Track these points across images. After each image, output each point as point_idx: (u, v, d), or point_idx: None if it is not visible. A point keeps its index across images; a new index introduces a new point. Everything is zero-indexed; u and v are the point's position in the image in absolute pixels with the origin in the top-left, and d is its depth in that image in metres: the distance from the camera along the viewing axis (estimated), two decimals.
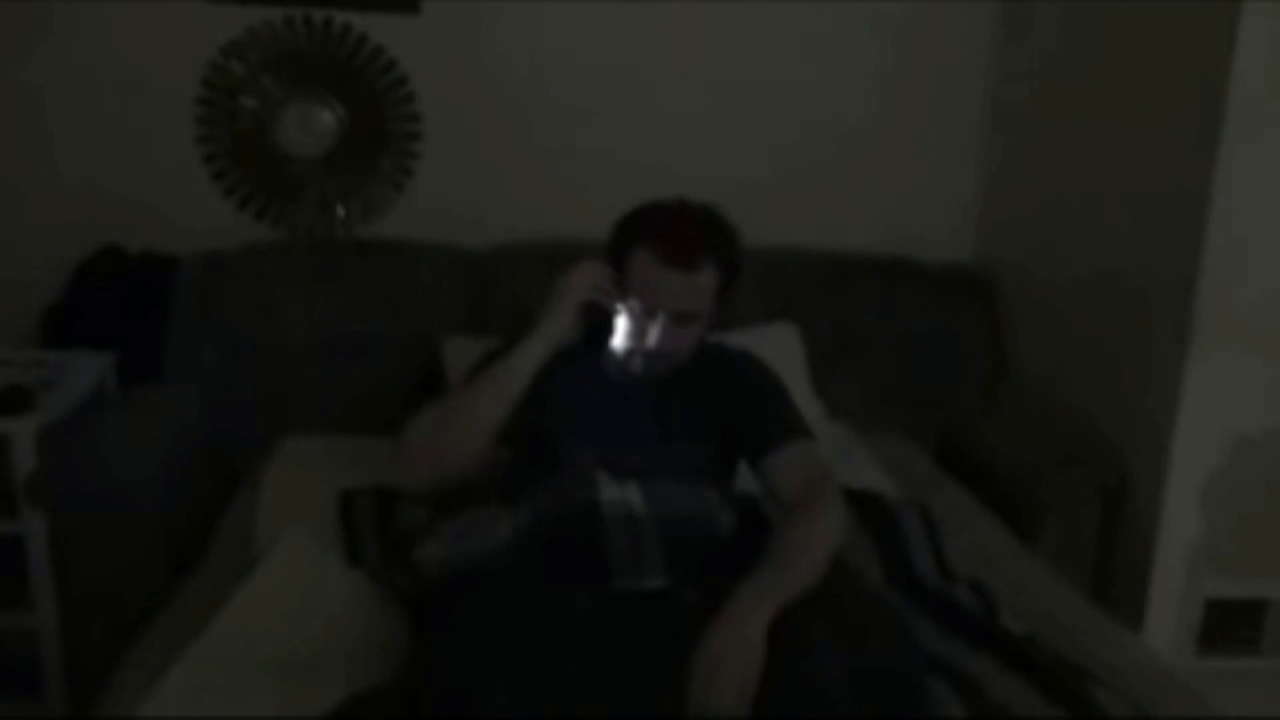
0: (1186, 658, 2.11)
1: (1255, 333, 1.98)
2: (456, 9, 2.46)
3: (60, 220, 2.43)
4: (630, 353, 1.54)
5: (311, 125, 2.47)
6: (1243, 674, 2.12)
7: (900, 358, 2.49)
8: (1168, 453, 2.02)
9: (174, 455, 2.06)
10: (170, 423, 2.13)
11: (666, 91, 2.58)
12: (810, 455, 1.60)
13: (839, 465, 2.00)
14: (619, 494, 1.53)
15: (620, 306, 1.53)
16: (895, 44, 2.62)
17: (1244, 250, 1.95)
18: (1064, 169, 2.44)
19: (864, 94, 2.64)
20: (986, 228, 2.73)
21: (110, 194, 2.44)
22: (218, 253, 2.37)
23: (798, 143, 2.63)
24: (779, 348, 2.15)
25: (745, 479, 1.67)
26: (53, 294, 2.37)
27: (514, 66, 2.52)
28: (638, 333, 1.54)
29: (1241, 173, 1.91)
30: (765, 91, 2.60)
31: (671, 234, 1.55)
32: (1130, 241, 2.17)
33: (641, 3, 2.52)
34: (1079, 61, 2.38)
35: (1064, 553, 2.06)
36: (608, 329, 1.54)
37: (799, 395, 1.77)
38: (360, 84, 2.47)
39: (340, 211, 2.52)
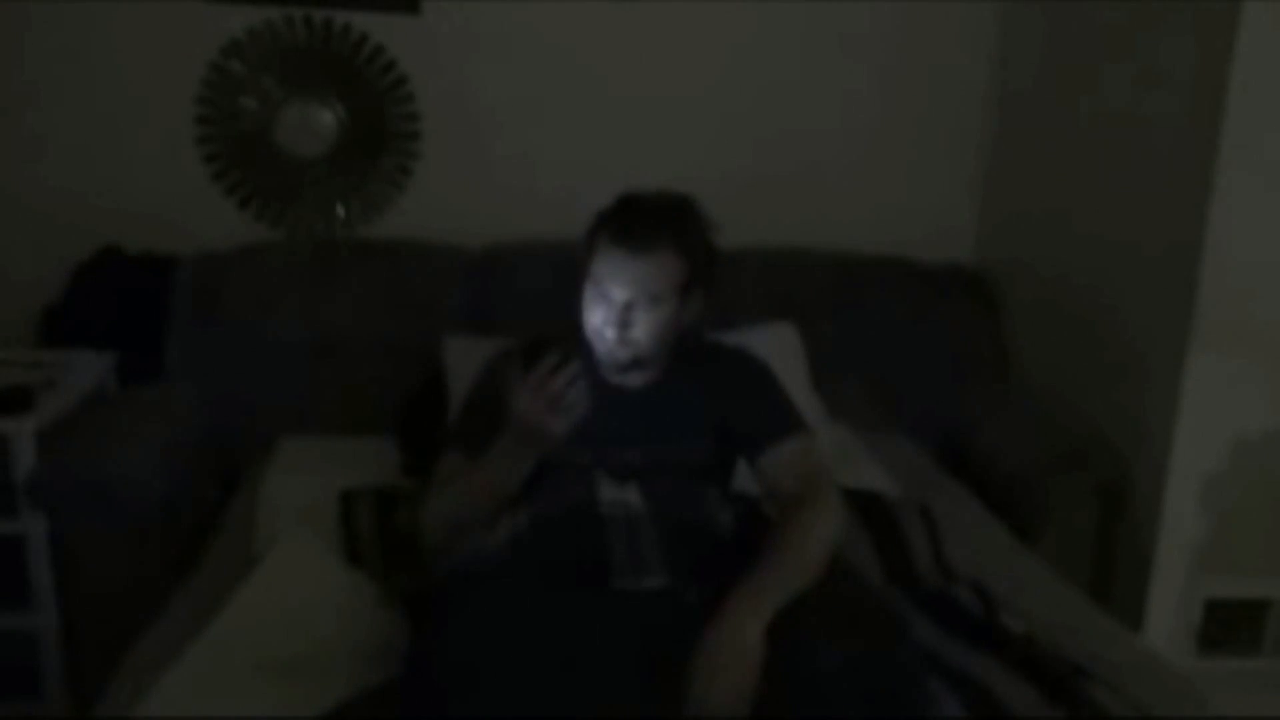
0: (1186, 658, 2.11)
1: (1255, 333, 1.98)
2: (456, 9, 2.47)
3: (60, 220, 2.43)
4: (609, 363, 1.54)
5: (311, 125, 2.47)
6: (1243, 674, 2.12)
7: (900, 358, 2.49)
8: (1168, 453, 2.03)
9: (174, 455, 2.06)
10: (170, 423, 2.13)
11: (667, 91, 2.58)
12: (807, 451, 1.60)
13: (839, 465, 2.00)
14: (618, 494, 1.53)
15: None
16: (895, 44, 2.62)
17: (1244, 251, 1.95)
18: (1064, 169, 2.44)
19: (864, 94, 2.64)
20: (986, 228, 2.74)
21: (110, 194, 2.44)
22: (218, 253, 2.37)
23: (798, 143, 2.63)
24: (779, 348, 2.15)
25: (743, 478, 1.67)
26: (53, 294, 2.37)
27: (514, 66, 2.52)
28: (602, 331, 1.53)
29: (1241, 173, 1.91)
30: (766, 91, 2.61)
31: (625, 218, 1.53)
32: (1130, 242, 2.17)
33: (642, 3, 2.52)
34: (1079, 62, 2.38)
35: (1064, 553, 2.05)
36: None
37: (799, 395, 1.77)
38: (360, 84, 2.47)
39: (340, 211, 2.52)
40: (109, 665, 1.52)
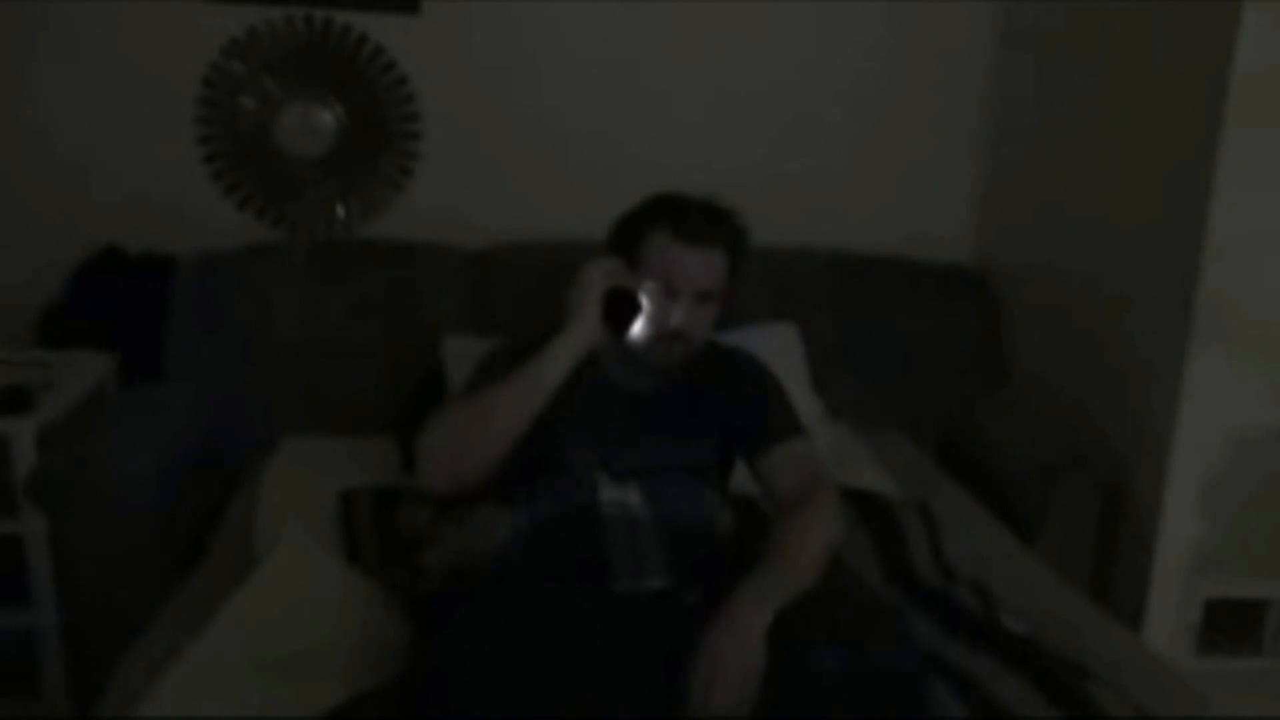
0: (1186, 658, 2.11)
1: (1255, 332, 1.98)
2: (456, 9, 2.47)
3: (60, 220, 2.43)
4: (654, 338, 1.53)
5: (311, 125, 2.47)
6: (1243, 674, 2.12)
7: (900, 358, 2.49)
8: (1168, 453, 2.02)
9: (174, 455, 2.06)
10: (170, 423, 2.13)
11: (667, 91, 2.58)
12: (806, 452, 1.61)
13: (839, 465, 2.00)
14: (619, 495, 1.53)
15: (641, 291, 1.52)
16: (896, 44, 2.62)
17: (1244, 250, 1.95)
18: (1064, 169, 2.44)
19: (865, 95, 2.64)
20: (986, 228, 2.74)
21: (110, 194, 2.44)
22: (217, 253, 2.36)
23: (799, 143, 2.63)
24: (779, 348, 2.15)
25: (743, 478, 1.67)
26: (53, 294, 2.37)
27: (514, 66, 2.52)
28: (660, 316, 1.53)
29: (1241, 172, 1.91)
30: (766, 91, 2.61)
31: (683, 213, 1.56)
32: (1130, 242, 2.17)
33: (642, 2, 2.52)
34: (1079, 61, 2.38)
35: (1064, 553, 2.06)
36: (623, 319, 1.53)
37: (799, 395, 1.77)
38: (360, 84, 2.47)
39: (340, 211, 2.52)
40: (109, 665, 1.52)
